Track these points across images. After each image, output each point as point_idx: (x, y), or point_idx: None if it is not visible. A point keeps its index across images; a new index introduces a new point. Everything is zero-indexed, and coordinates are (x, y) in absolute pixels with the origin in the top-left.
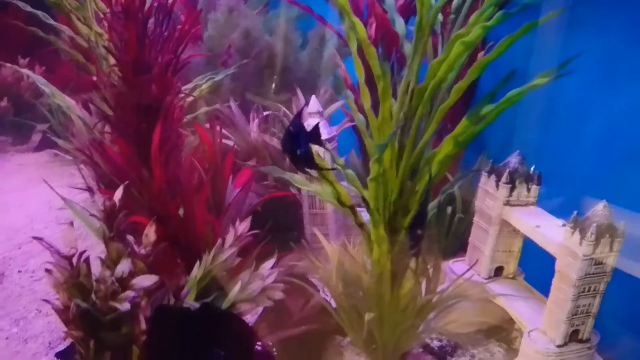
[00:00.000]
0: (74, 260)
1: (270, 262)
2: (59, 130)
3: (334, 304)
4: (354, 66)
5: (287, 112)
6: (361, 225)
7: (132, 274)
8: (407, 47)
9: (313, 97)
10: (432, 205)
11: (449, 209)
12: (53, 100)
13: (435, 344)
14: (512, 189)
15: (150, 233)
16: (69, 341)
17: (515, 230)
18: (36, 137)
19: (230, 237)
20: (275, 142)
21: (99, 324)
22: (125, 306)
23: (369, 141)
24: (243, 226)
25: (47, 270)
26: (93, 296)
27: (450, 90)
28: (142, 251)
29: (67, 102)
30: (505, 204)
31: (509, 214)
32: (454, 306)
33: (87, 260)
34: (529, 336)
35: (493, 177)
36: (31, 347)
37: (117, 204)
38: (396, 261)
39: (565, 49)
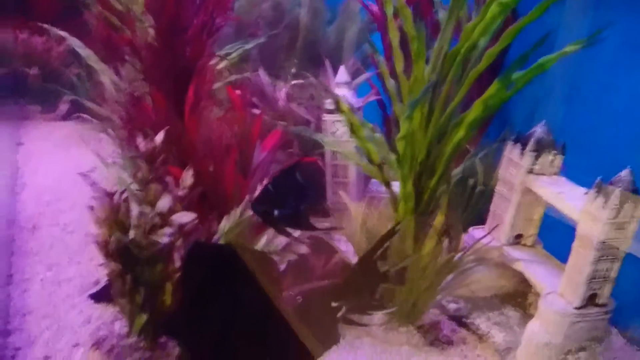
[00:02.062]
0: (115, 197)
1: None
2: (86, 98)
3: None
4: (388, 31)
5: (315, 81)
6: (387, 183)
7: (171, 212)
8: (442, 14)
9: (342, 67)
10: (455, 172)
11: (471, 182)
12: (87, 62)
13: (451, 306)
14: (536, 158)
15: (187, 177)
16: (100, 285)
17: (536, 199)
18: (64, 106)
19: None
20: (303, 111)
21: (136, 259)
22: (164, 239)
23: (398, 105)
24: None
25: (90, 207)
26: (132, 232)
27: (482, 56)
28: (180, 193)
29: (100, 65)
30: (528, 172)
31: (532, 181)
32: (472, 270)
33: (126, 199)
34: (547, 298)
35: (518, 145)
36: (65, 290)
37: (158, 146)
38: (420, 220)
39: (595, 21)
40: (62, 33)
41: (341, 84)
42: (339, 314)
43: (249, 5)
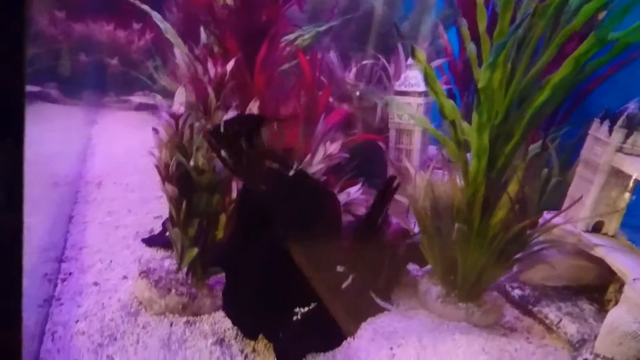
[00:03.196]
0: (180, 121)
1: (357, 185)
2: (159, 90)
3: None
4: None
5: (386, 63)
6: (459, 143)
7: None
8: None
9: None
10: (533, 147)
11: (545, 172)
12: (165, 35)
13: (516, 292)
14: (627, 136)
15: (254, 107)
16: (154, 232)
17: (623, 184)
18: (138, 97)
19: (319, 155)
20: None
21: (194, 185)
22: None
23: (478, 71)
24: (333, 146)
25: (154, 129)
26: (192, 161)
27: (576, 11)
28: None
29: (177, 40)
30: (617, 151)
31: (621, 161)
32: (544, 254)
33: (191, 125)
34: (636, 284)
35: (607, 122)
36: (121, 233)
37: (228, 73)
38: (491, 184)
39: None
40: (144, 7)
41: (412, 66)
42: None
43: None
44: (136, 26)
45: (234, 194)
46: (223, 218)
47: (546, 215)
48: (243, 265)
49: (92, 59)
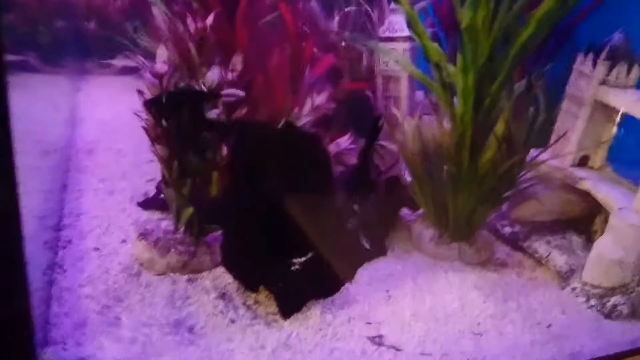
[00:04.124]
0: (164, 80)
1: (347, 135)
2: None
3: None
4: None
5: (369, 9)
6: (445, 86)
7: (220, 87)
8: None
9: None
10: (518, 85)
11: (531, 110)
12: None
13: (506, 230)
14: (610, 68)
15: (237, 61)
16: (148, 195)
17: (608, 117)
18: (120, 61)
19: (307, 107)
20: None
21: (185, 143)
22: (213, 114)
23: (461, 10)
24: (321, 98)
25: (139, 91)
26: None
27: None
28: (230, 76)
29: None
30: (601, 84)
31: (605, 93)
32: (532, 190)
33: (176, 83)
34: (621, 213)
35: (590, 55)
36: (116, 198)
37: (208, 28)
38: (479, 124)
39: None
40: None
41: (396, 10)
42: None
43: None
44: None
45: (226, 150)
46: (215, 175)
47: (534, 153)
48: (238, 220)
49: (70, 24)
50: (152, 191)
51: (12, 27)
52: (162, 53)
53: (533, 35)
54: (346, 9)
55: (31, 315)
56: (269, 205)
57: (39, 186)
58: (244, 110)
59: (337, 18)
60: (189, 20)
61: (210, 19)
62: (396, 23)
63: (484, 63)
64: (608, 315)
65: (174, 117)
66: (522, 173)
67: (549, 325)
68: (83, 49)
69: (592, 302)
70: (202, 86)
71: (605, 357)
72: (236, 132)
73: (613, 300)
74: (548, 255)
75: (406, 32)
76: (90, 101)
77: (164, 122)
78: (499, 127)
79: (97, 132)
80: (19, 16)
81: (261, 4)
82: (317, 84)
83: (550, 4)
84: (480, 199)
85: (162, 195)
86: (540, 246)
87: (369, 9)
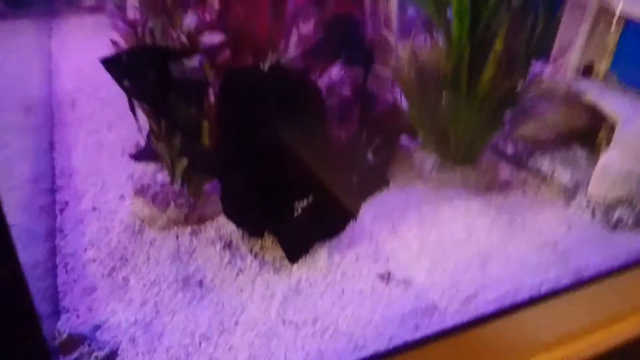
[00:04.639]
0: (139, 29)
1: (337, 64)
2: None
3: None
4: None
5: None
6: (439, 2)
7: (199, 32)
8: None
9: None
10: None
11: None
12: None
13: (509, 149)
14: None
15: (214, 2)
16: (140, 147)
17: (611, 24)
18: None
19: (294, 39)
20: None
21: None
22: (195, 62)
23: None
24: (307, 26)
25: (112, 42)
26: None
27: None
28: (207, 17)
29: None
30: None
31: None
32: (534, 107)
33: (151, 31)
34: (627, 124)
35: None
36: (106, 152)
37: None
38: (476, 44)
39: None
40: None
41: None
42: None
43: None
44: None
45: (212, 98)
46: (206, 124)
47: (535, 66)
48: (234, 169)
49: None
50: (142, 141)
51: None
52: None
53: None
54: None
55: (24, 283)
56: (264, 150)
57: (26, 147)
58: (227, 53)
59: None
60: None
61: None
62: None
63: None
64: (613, 228)
65: (138, 78)
66: (524, 91)
67: (555, 243)
68: None
69: (598, 215)
70: (180, 33)
71: (610, 270)
72: (220, 80)
73: (618, 212)
74: (553, 172)
75: None
76: (64, 46)
77: (126, 83)
78: (497, 45)
79: (76, 81)
80: None
81: None
82: (302, 11)
83: None
84: (482, 121)
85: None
86: (544, 163)
87: None
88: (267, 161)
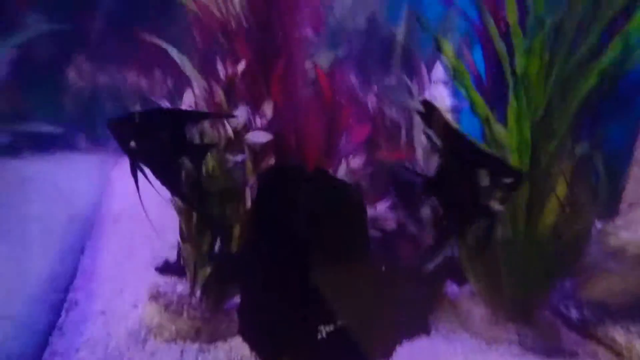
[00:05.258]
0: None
1: (385, 201)
2: None
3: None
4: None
5: (409, 82)
6: (495, 140)
7: (246, 130)
8: None
9: (438, 63)
10: (580, 145)
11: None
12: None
13: (573, 314)
14: None
15: (267, 108)
16: (169, 261)
17: None
18: None
19: (342, 170)
20: (394, 113)
21: (205, 193)
22: (238, 157)
23: (509, 70)
24: (356, 161)
25: None
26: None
27: None
28: (259, 122)
29: (195, 73)
30: None
31: None
32: (603, 267)
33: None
34: None
35: None
36: (134, 261)
37: (239, 75)
38: (537, 183)
39: None
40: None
41: (438, 82)
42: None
43: (343, 19)
44: (158, 73)
45: (249, 202)
46: (237, 230)
47: (597, 224)
48: (259, 278)
49: (117, 106)
50: (173, 257)
51: (66, 108)
52: (189, 96)
53: (595, 90)
54: (385, 82)
55: None
56: (295, 262)
57: (56, 250)
58: (271, 159)
59: (374, 91)
60: (220, 66)
61: (241, 66)
62: (437, 95)
63: (540, 118)
64: None
65: (148, 140)
66: (589, 243)
67: None
68: None
69: None
70: (227, 125)
71: None
72: (260, 179)
73: None
74: (630, 345)
75: (447, 104)
76: (122, 176)
77: (132, 144)
78: (561, 189)
79: (125, 203)
80: (72, 98)
81: (298, 69)
82: (353, 150)
83: (615, 53)
84: (541, 271)
85: (182, 261)
86: (618, 334)
87: (408, 81)
88: (297, 275)
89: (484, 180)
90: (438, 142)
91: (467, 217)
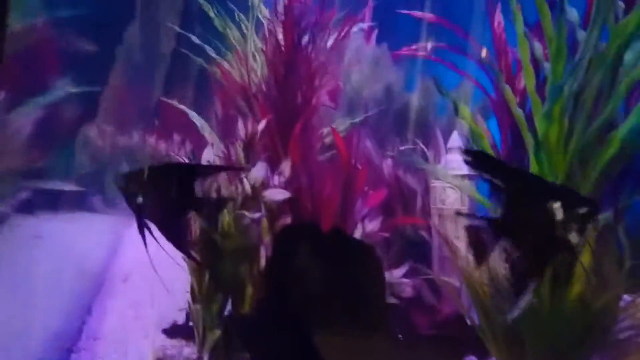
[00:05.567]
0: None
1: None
2: None
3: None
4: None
5: (424, 148)
6: None
7: (264, 187)
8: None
9: (455, 132)
10: (604, 216)
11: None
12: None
13: None
14: None
15: (286, 167)
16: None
17: None
18: None
19: (358, 232)
20: (409, 179)
21: (219, 251)
22: (255, 215)
23: (528, 135)
24: (372, 225)
25: None
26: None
27: (637, 61)
28: (276, 181)
29: (213, 137)
30: None
31: None
32: (634, 344)
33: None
34: None
35: None
36: (140, 324)
37: (259, 133)
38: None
39: None
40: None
41: (453, 149)
42: None
43: (360, 88)
44: (177, 137)
45: (263, 262)
46: (250, 290)
47: (626, 297)
48: (271, 343)
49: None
50: (181, 320)
51: (84, 170)
52: (208, 154)
53: (616, 158)
54: (401, 148)
55: None
56: (310, 326)
57: (61, 308)
58: (288, 220)
59: (390, 157)
60: (240, 125)
61: (261, 125)
62: (453, 162)
63: (561, 181)
64: None
65: (154, 194)
66: (618, 316)
67: None
68: None
69: None
70: (245, 181)
71: None
72: (276, 237)
73: None
74: None
75: (463, 171)
76: (136, 237)
77: (139, 200)
78: (586, 257)
79: (136, 262)
80: (91, 160)
81: (315, 132)
82: (369, 214)
83: (636, 121)
84: (568, 343)
85: (190, 324)
86: None
87: (424, 147)
88: (310, 340)
89: (558, 213)
90: (499, 183)
91: (545, 255)
